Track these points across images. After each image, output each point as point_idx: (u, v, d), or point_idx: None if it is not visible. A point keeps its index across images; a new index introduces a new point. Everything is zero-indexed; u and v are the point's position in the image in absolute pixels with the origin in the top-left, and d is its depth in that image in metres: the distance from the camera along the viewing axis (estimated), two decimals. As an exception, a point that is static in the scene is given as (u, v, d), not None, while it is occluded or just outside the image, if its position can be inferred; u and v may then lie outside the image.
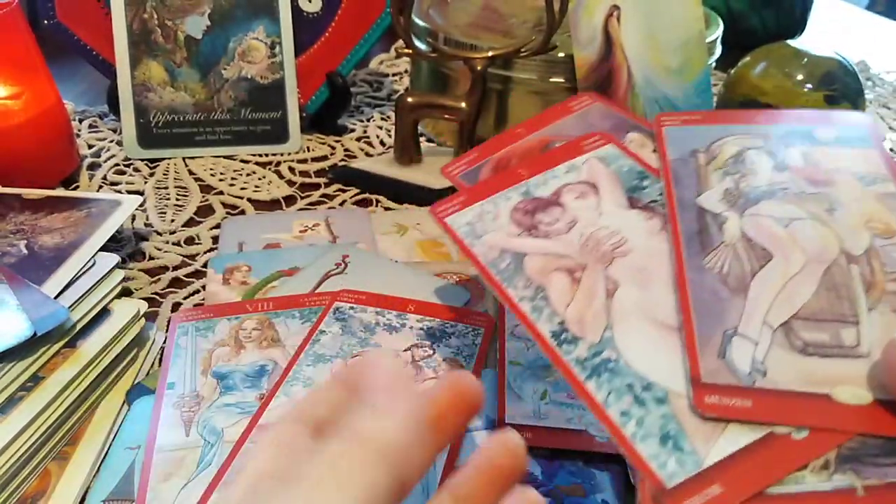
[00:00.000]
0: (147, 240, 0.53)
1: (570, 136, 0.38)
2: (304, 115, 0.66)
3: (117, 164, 0.62)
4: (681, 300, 0.28)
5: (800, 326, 0.26)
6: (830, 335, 0.26)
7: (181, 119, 0.63)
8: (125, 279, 0.43)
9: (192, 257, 0.51)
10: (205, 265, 0.50)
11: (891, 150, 0.68)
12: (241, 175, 0.61)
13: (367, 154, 0.65)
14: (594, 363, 0.27)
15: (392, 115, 0.70)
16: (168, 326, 0.42)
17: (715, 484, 0.23)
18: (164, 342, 0.42)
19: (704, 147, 0.35)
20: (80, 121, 0.69)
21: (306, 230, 0.52)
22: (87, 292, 0.40)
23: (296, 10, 0.64)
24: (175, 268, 0.50)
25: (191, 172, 0.62)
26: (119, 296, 0.42)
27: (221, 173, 0.61)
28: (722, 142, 0.35)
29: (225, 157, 0.64)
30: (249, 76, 0.63)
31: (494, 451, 0.24)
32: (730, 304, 0.27)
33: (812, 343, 0.26)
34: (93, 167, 0.62)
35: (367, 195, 0.59)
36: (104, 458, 0.35)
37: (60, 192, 0.53)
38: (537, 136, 0.40)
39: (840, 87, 0.55)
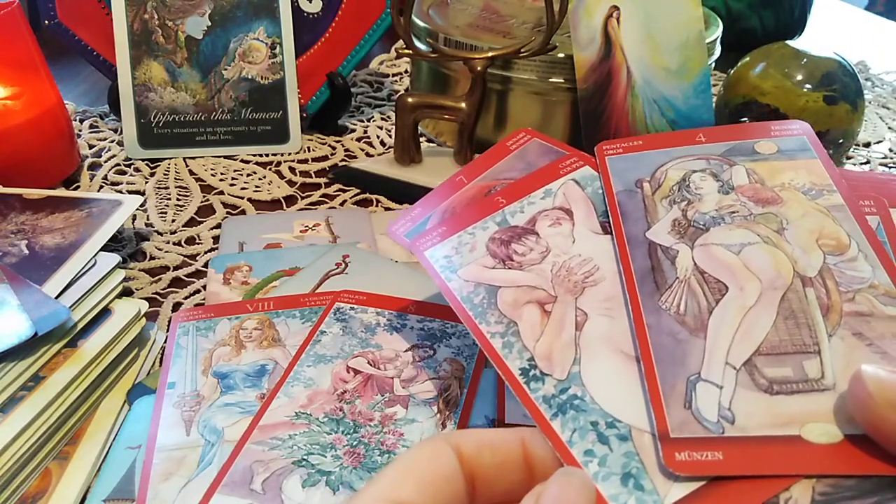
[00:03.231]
0: (148, 240, 0.53)
1: (511, 178, 0.38)
2: (305, 115, 0.66)
3: (118, 164, 0.62)
4: (641, 349, 0.27)
5: (762, 363, 0.26)
6: (794, 369, 0.25)
7: (182, 119, 0.63)
8: (126, 279, 0.43)
9: (193, 257, 0.51)
10: (205, 265, 0.50)
11: (890, 150, 0.68)
12: (241, 175, 0.61)
13: (368, 154, 0.65)
14: (560, 400, 0.26)
15: (392, 115, 0.70)
16: (169, 326, 0.42)
17: None
18: (165, 342, 0.42)
19: (648, 175, 0.34)
20: (81, 121, 0.69)
21: (307, 230, 0.53)
22: (87, 292, 0.40)
23: (296, 11, 0.64)
24: (176, 268, 0.50)
25: (191, 172, 0.62)
26: (120, 295, 0.42)
27: (222, 173, 0.62)
28: (666, 167, 0.34)
29: (225, 157, 0.64)
30: (250, 76, 0.63)
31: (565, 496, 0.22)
32: (690, 345, 0.27)
33: (776, 380, 0.25)
34: (93, 167, 0.62)
35: (367, 195, 0.59)
36: (105, 457, 0.35)
37: (61, 192, 0.53)
38: (478, 182, 0.39)
39: (839, 87, 0.55)
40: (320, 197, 0.59)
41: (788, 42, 0.60)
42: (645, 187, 0.33)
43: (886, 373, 0.22)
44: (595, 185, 0.35)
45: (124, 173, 0.61)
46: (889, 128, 0.72)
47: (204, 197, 0.58)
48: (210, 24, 0.62)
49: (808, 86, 0.55)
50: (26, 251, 0.43)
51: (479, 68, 0.54)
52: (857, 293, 0.27)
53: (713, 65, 0.63)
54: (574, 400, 0.26)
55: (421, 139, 0.60)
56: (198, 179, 0.61)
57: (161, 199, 0.58)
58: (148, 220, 0.55)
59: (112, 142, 0.66)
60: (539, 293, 0.30)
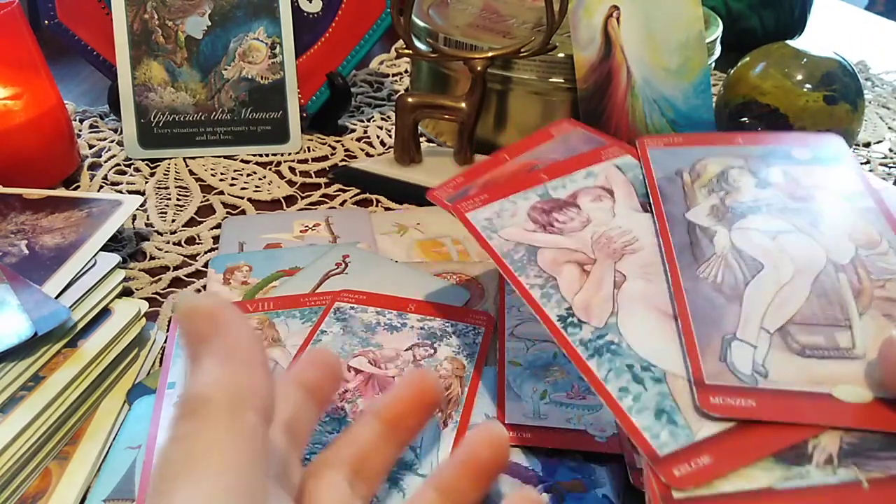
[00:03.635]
0: (148, 240, 0.53)
1: (553, 159, 0.40)
2: (305, 115, 0.66)
3: (118, 164, 0.62)
4: (678, 308, 0.29)
5: (796, 331, 0.27)
6: (826, 338, 0.27)
7: (182, 119, 0.63)
8: (126, 279, 0.43)
9: (193, 257, 0.51)
10: (205, 265, 0.50)
11: (890, 150, 0.68)
12: (241, 175, 0.61)
13: (368, 154, 0.65)
14: (597, 345, 0.28)
15: (392, 115, 0.70)
16: (169, 326, 0.42)
17: (705, 455, 0.24)
18: (165, 342, 0.42)
19: (688, 167, 0.36)
20: (81, 121, 0.69)
21: (307, 230, 0.53)
22: (87, 292, 0.40)
23: (296, 11, 0.64)
24: (176, 268, 0.50)
25: (191, 172, 0.62)
26: (120, 295, 0.42)
27: (222, 173, 0.62)
28: (705, 162, 0.36)
29: (225, 157, 0.64)
30: (250, 76, 0.63)
31: (477, 443, 0.24)
32: (726, 310, 0.28)
33: (809, 346, 0.26)
34: (93, 167, 0.62)
35: (367, 195, 0.59)
36: (105, 457, 0.35)
37: (61, 192, 0.53)
38: (520, 160, 0.41)
39: (839, 87, 0.55)
40: (320, 197, 0.59)
41: (788, 42, 0.60)
42: (685, 176, 0.35)
43: None
44: (636, 171, 0.37)
45: (124, 173, 0.61)
46: (889, 128, 0.72)
47: (204, 197, 0.58)
48: (210, 23, 0.62)
49: (808, 86, 0.55)
50: (26, 251, 0.43)
51: (479, 68, 0.54)
52: (887, 282, 0.29)
53: (713, 65, 0.63)
54: (611, 345, 0.28)
55: (421, 139, 0.60)
56: (198, 179, 0.61)
57: (161, 199, 0.58)
58: (148, 220, 0.55)
59: (112, 142, 0.66)
60: (578, 255, 0.32)
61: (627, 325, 0.29)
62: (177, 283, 0.49)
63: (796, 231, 0.31)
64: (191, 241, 0.53)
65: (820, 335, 0.27)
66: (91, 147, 0.65)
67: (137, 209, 0.51)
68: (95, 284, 0.41)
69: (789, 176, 0.35)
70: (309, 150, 0.65)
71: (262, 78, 0.63)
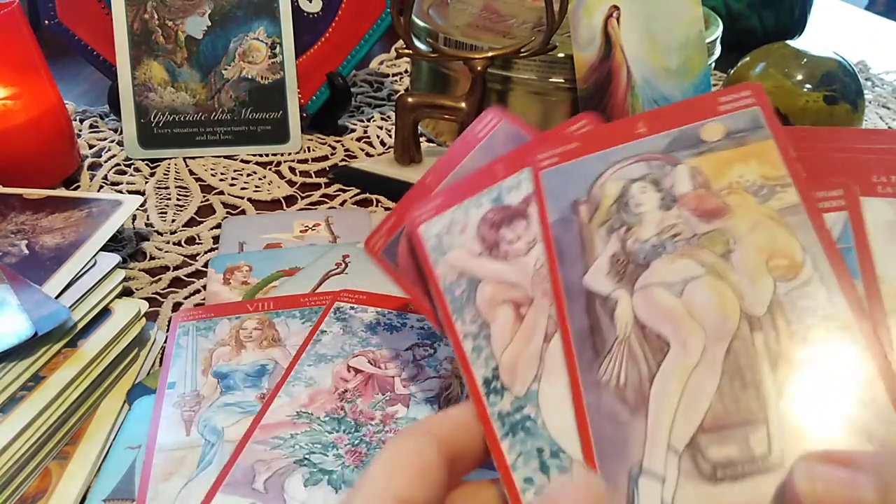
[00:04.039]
0: (148, 240, 0.53)
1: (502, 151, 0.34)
2: (305, 115, 0.66)
3: (118, 164, 0.62)
4: (581, 437, 0.25)
5: (706, 442, 0.23)
6: (739, 446, 0.23)
7: (182, 119, 0.63)
8: (126, 279, 0.43)
9: (193, 257, 0.51)
10: (205, 265, 0.50)
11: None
12: (241, 175, 0.61)
13: (368, 154, 0.65)
14: (514, 420, 0.25)
15: (392, 115, 0.70)
16: (169, 326, 0.42)
17: None
18: (165, 342, 0.42)
19: (585, 193, 0.29)
20: (81, 121, 0.69)
21: (307, 230, 0.53)
22: (87, 292, 0.40)
23: (296, 11, 0.64)
24: (176, 268, 0.50)
25: (191, 172, 0.62)
26: (120, 295, 0.42)
27: (222, 173, 0.62)
28: (603, 180, 0.30)
29: (225, 157, 0.64)
30: (250, 76, 0.63)
31: None
32: (631, 428, 0.24)
33: (720, 463, 0.23)
34: (93, 167, 0.62)
35: (367, 195, 0.59)
36: (105, 457, 0.35)
37: (61, 192, 0.53)
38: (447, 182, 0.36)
39: (839, 87, 0.55)
40: (320, 197, 0.59)
41: (788, 42, 0.60)
42: (581, 213, 0.29)
43: (830, 471, 0.20)
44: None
45: (124, 173, 0.61)
46: (889, 127, 0.72)
47: (204, 197, 0.58)
48: (210, 23, 0.62)
49: (808, 86, 0.55)
50: (26, 251, 0.43)
51: (479, 68, 0.54)
52: (809, 329, 0.24)
53: (713, 65, 0.63)
54: (527, 421, 0.25)
55: (421, 139, 0.60)
56: (198, 179, 0.61)
57: (161, 199, 0.58)
58: (148, 220, 0.55)
59: (112, 142, 0.66)
60: (516, 293, 0.28)
61: (548, 395, 0.25)
62: (177, 283, 0.49)
63: (706, 274, 0.26)
64: (191, 241, 0.53)
65: (733, 443, 0.23)
66: (91, 147, 0.65)
67: (137, 209, 0.51)
68: (95, 284, 0.41)
69: (698, 177, 0.29)
70: (309, 150, 0.65)
71: (262, 78, 0.63)
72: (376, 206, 0.58)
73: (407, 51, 0.55)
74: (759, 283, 0.26)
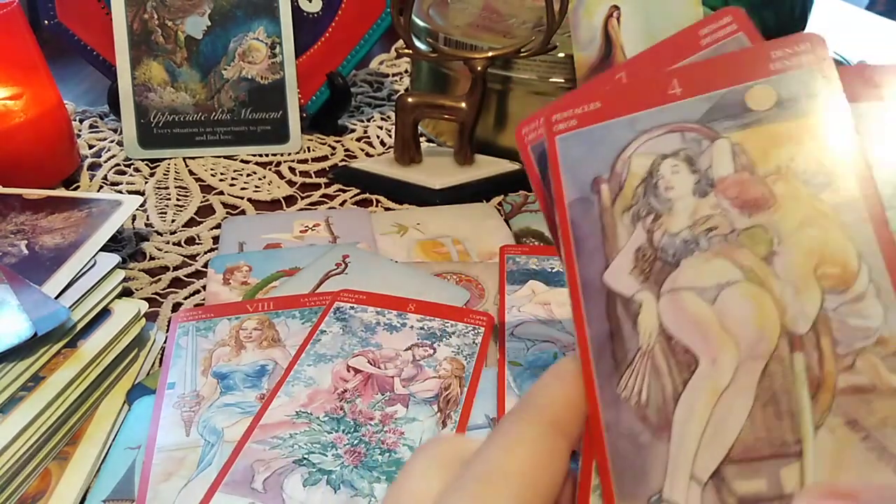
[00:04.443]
0: (147, 240, 0.53)
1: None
2: (305, 115, 0.66)
3: (118, 165, 0.62)
4: (598, 456, 0.22)
5: (732, 474, 0.21)
6: (768, 481, 0.21)
7: (182, 119, 0.63)
8: (126, 279, 0.43)
9: (193, 257, 0.51)
10: (205, 265, 0.50)
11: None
12: (241, 175, 0.61)
13: (368, 154, 0.65)
14: None
15: (392, 115, 0.70)
16: (168, 326, 0.42)
17: None
18: (165, 342, 0.42)
19: (607, 168, 0.26)
20: (81, 121, 0.69)
21: (307, 230, 0.53)
22: (87, 292, 0.40)
23: (296, 11, 0.64)
24: (175, 268, 0.50)
25: (191, 172, 0.62)
26: (120, 296, 0.42)
27: (222, 173, 0.62)
28: (629, 153, 0.26)
29: (225, 157, 0.64)
30: (250, 76, 0.63)
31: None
32: (651, 452, 0.22)
33: (746, 498, 0.21)
34: (93, 167, 0.62)
35: (367, 195, 0.59)
36: (104, 457, 0.35)
37: (61, 192, 0.53)
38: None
39: (840, 87, 0.55)
40: (320, 197, 0.59)
41: (788, 42, 0.60)
42: (603, 192, 0.25)
43: None
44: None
45: (124, 173, 0.61)
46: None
47: (204, 197, 0.58)
48: (210, 23, 0.62)
49: (808, 85, 0.55)
50: (26, 251, 0.43)
51: (479, 68, 0.54)
52: (858, 355, 0.21)
53: (713, 64, 0.63)
54: None
55: (421, 139, 0.60)
56: (197, 179, 0.61)
57: (161, 199, 0.58)
58: (148, 220, 0.55)
59: (112, 142, 0.66)
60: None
61: None
62: (176, 283, 0.49)
63: (744, 279, 0.23)
64: (191, 241, 0.53)
65: (762, 477, 0.21)
66: (91, 147, 0.65)
67: (137, 209, 0.51)
68: (95, 285, 0.41)
69: (741, 158, 0.24)
70: (309, 150, 0.65)
71: (261, 78, 0.63)
72: (376, 206, 0.58)
73: (407, 51, 0.55)
74: (805, 295, 0.22)
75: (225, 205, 0.58)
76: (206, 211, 0.57)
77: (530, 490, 0.19)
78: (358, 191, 0.59)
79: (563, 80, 0.57)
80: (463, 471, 0.19)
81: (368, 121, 0.71)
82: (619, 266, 0.24)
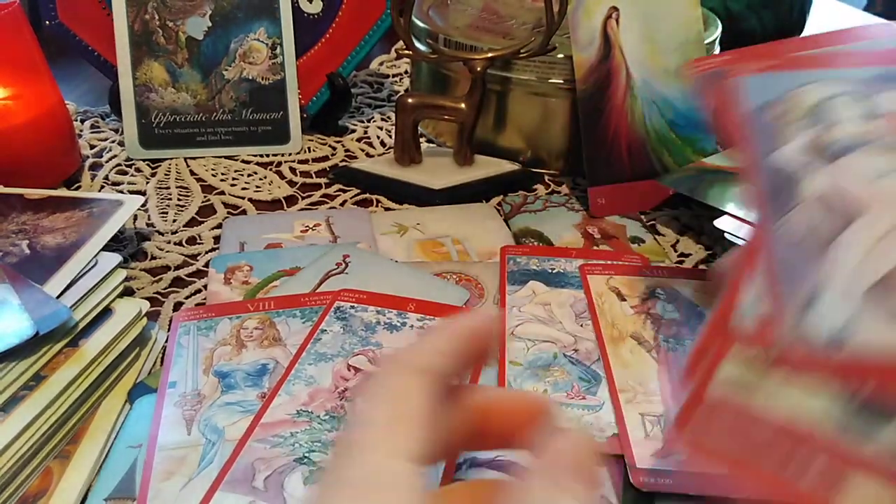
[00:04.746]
0: (149, 239, 0.53)
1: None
2: (305, 115, 0.66)
3: (119, 165, 0.63)
4: (766, 266, 0.26)
5: (884, 293, 0.23)
6: None
7: (182, 119, 0.63)
8: (127, 279, 0.43)
9: (194, 257, 0.51)
10: (206, 265, 0.50)
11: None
12: (242, 175, 0.62)
13: (368, 154, 0.65)
14: None
15: (392, 115, 0.70)
16: (170, 326, 0.42)
17: None
18: (166, 341, 0.42)
19: (780, 96, 0.29)
20: (82, 121, 0.70)
21: (307, 230, 0.53)
22: (89, 292, 0.40)
23: (296, 12, 0.64)
24: (177, 267, 0.50)
25: (192, 173, 0.62)
26: (121, 295, 0.42)
27: (223, 173, 0.62)
28: (801, 90, 0.29)
29: (226, 157, 0.64)
30: (250, 77, 0.63)
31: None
32: (810, 269, 0.25)
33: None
34: (94, 167, 0.62)
35: (367, 195, 0.59)
36: (106, 456, 0.35)
37: (62, 192, 0.53)
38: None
39: (839, 87, 0.56)
40: (321, 197, 0.59)
41: (787, 43, 0.60)
42: (777, 108, 0.29)
43: None
44: None
45: (125, 173, 0.62)
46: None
47: (205, 197, 0.58)
48: (211, 24, 0.62)
49: (807, 86, 0.55)
50: (27, 251, 0.43)
51: (478, 69, 0.55)
52: None
53: (712, 65, 0.64)
54: None
55: (421, 139, 0.60)
56: (199, 179, 0.61)
57: (162, 199, 0.58)
58: (149, 220, 0.55)
59: (113, 142, 0.66)
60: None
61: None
62: (178, 282, 0.49)
63: None
64: (192, 240, 0.53)
65: None
66: (92, 147, 0.65)
67: (138, 209, 0.51)
68: (97, 284, 0.41)
69: None
70: (309, 151, 0.65)
71: (262, 78, 0.63)
72: (376, 206, 0.58)
73: (407, 52, 0.55)
74: None
75: (226, 205, 0.58)
76: (207, 211, 0.57)
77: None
78: (358, 191, 0.59)
79: (562, 81, 0.57)
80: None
81: (369, 121, 0.71)
82: (788, 150, 0.28)
